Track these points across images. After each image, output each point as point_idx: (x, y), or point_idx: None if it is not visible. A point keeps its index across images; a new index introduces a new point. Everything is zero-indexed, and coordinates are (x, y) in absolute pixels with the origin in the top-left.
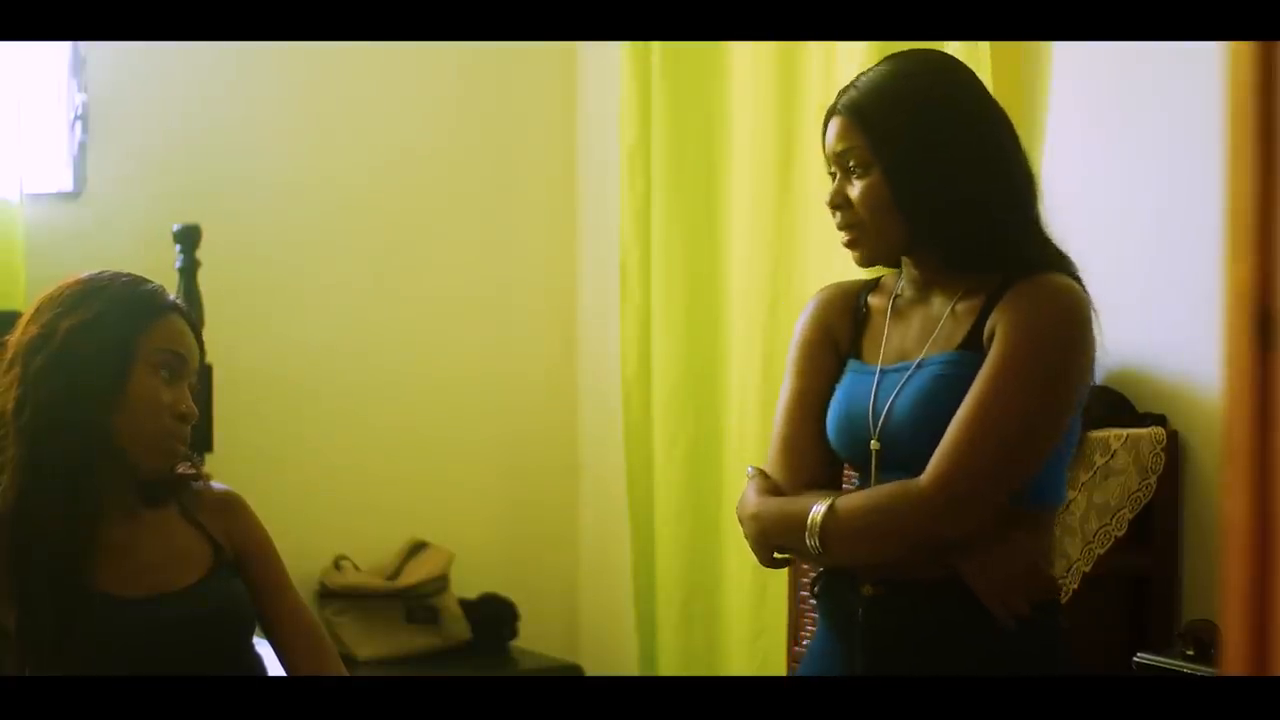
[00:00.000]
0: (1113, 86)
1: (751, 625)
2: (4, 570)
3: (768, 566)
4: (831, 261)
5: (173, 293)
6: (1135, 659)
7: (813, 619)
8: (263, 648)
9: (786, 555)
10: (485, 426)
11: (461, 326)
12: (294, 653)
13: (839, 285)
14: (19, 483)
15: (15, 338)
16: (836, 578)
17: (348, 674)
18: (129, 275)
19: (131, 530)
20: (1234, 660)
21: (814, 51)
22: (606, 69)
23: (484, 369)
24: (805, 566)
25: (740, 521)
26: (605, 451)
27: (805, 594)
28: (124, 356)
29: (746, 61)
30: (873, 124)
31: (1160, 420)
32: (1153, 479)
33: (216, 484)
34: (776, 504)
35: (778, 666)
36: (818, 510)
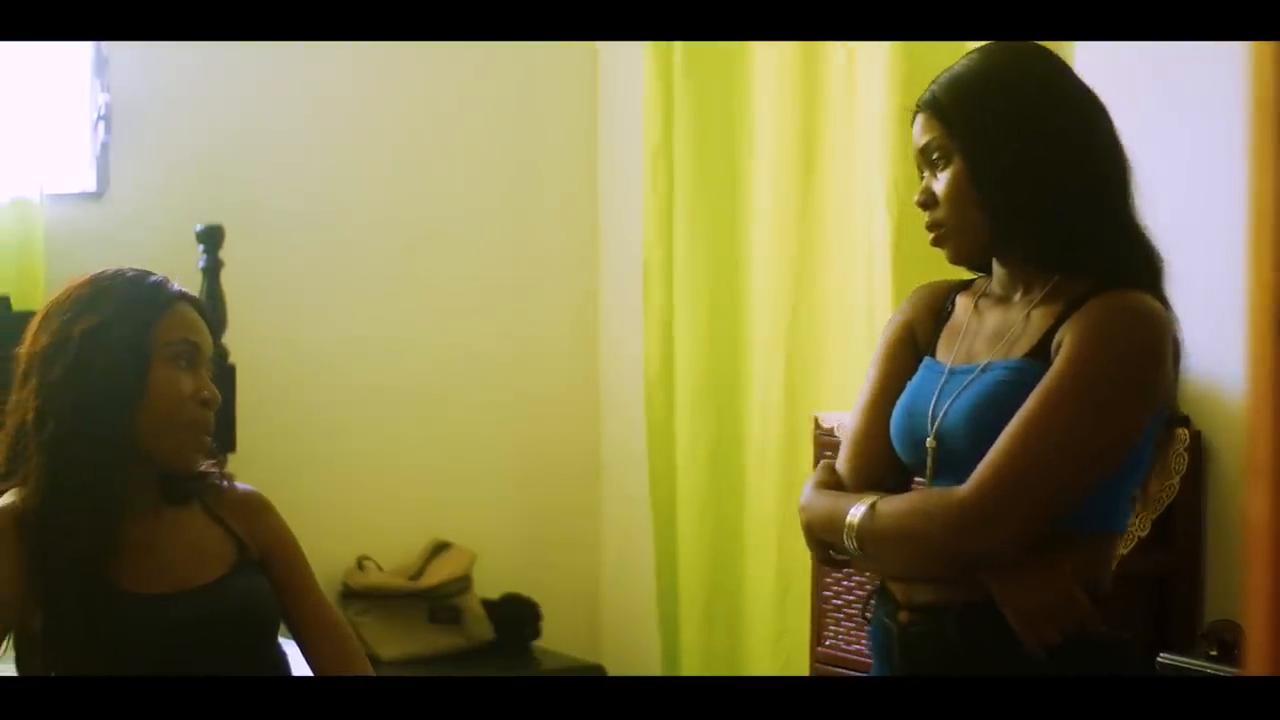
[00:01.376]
0: (1136, 87)
1: (774, 625)
2: (28, 573)
3: (822, 563)
4: (854, 261)
5: (196, 293)
6: (1158, 659)
7: (834, 619)
8: (288, 646)
9: (844, 556)
10: (508, 427)
11: (484, 327)
12: (320, 654)
13: (933, 283)
14: (42, 490)
15: (26, 348)
16: (881, 602)
17: (375, 674)
18: (134, 270)
19: (154, 527)
20: (1257, 660)
21: (836, 51)
22: (628, 69)
23: (506, 369)
24: (834, 572)
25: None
26: (628, 452)
27: (828, 594)
28: (140, 355)
29: (768, 61)
30: (948, 111)
31: (1184, 421)
32: (1176, 479)
33: (241, 484)
34: (824, 499)
35: (800, 667)
36: (856, 511)
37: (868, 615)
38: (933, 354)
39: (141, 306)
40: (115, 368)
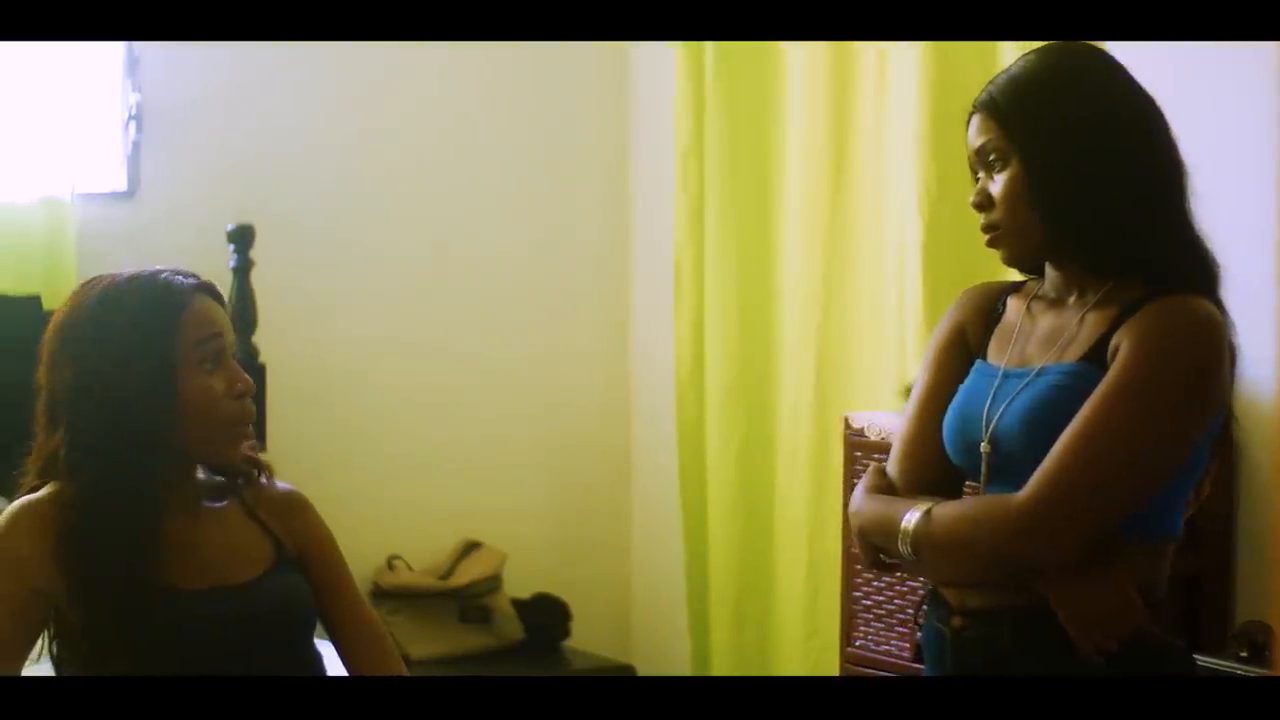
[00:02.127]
0: (1166, 88)
1: (804, 626)
2: (64, 570)
3: (873, 568)
4: (885, 261)
5: (226, 293)
6: None
7: (864, 620)
8: (323, 647)
9: (895, 560)
10: (538, 427)
11: (515, 327)
12: (355, 653)
13: (983, 285)
14: (81, 503)
15: (44, 374)
16: (934, 606)
17: (409, 674)
18: (143, 275)
19: (193, 525)
20: None
21: (867, 51)
22: (659, 70)
23: (537, 369)
24: (864, 573)
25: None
26: (658, 452)
27: (858, 595)
28: (167, 373)
29: (799, 62)
30: (1006, 112)
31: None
32: (1207, 480)
33: (280, 483)
34: (877, 504)
35: (830, 667)
36: (911, 516)
37: (919, 621)
38: (984, 356)
39: (157, 318)
40: (145, 396)
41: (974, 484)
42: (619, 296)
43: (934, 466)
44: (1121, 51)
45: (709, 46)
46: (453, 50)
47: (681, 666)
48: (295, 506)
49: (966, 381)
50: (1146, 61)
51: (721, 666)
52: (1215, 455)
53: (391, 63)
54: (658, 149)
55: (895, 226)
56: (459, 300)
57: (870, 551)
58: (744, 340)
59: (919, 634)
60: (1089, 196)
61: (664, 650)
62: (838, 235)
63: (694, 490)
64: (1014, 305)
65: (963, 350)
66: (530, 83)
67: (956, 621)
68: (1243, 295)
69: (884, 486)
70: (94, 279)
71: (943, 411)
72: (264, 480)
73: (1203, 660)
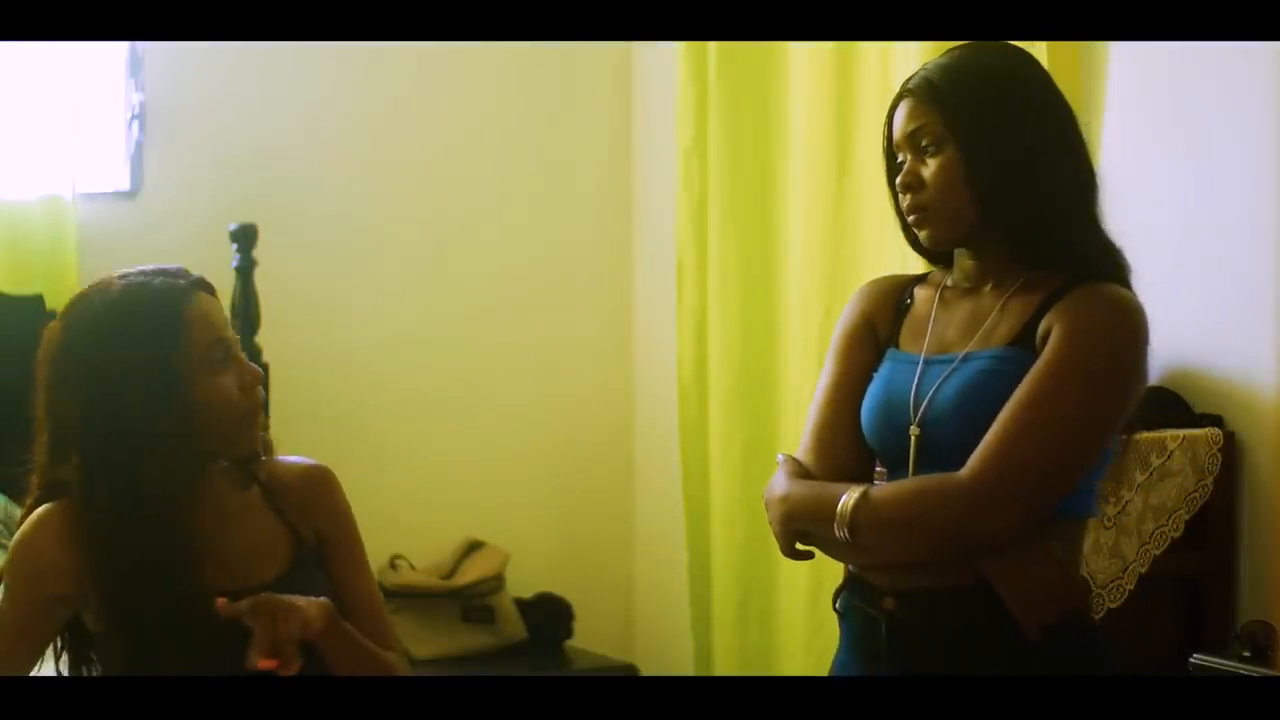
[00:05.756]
0: (1170, 86)
1: (807, 625)
2: (89, 573)
3: (788, 556)
4: (887, 261)
5: (230, 293)
6: (1192, 660)
7: None
8: None
9: (809, 547)
10: (542, 427)
11: (517, 326)
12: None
13: (886, 277)
14: (105, 530)
15: (45, 400)
16: (858, 592)
17: (409, 661)
18: (135, 285)
19: (215, 523)
20: None
21: (870, 51)
22: (662, 69)
23: (540, 369)
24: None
25: (766, 505)
26: (661, 451)
27: None
28: (177, 384)
29: (803, 61)
30: (946, 99)
31: (1217, 421)
32: (1209, 480)
33: (298, 458)
34: (807, 487)
35: None
36: (849, 497)
37: (837, 607)
38: (896, 345)
39: (159, 331)
40: (157, 412)
41: (881, 470)
42: (622, 296)
43: (847, 454)
44: (1122, 51)
45: (712, 46)
46: (457, 50)
47: (684, 666)
48: (315, 484)
49: (882, 369)
50: (1147, 61)
51: (724, 666)
52: (1118, 451)
53: (394, 62)
54: (660, 148)
55: (898, 226)
56: (462, 300)
57: (790, 537)
58: (747, 340)
59: (840, 623)
60: (1026, 185)
61: (667, 650)
62: (840, 235)
63: (697, 490)
64: (923, 295)
65: (871, 340)
66: (533, 82)
67: (889, 603)
68: (1243, 294)
69: (804, 473)
70: (82, 294)
71: (855, 400)
72: (280, 458)
73: (1205, 660)
